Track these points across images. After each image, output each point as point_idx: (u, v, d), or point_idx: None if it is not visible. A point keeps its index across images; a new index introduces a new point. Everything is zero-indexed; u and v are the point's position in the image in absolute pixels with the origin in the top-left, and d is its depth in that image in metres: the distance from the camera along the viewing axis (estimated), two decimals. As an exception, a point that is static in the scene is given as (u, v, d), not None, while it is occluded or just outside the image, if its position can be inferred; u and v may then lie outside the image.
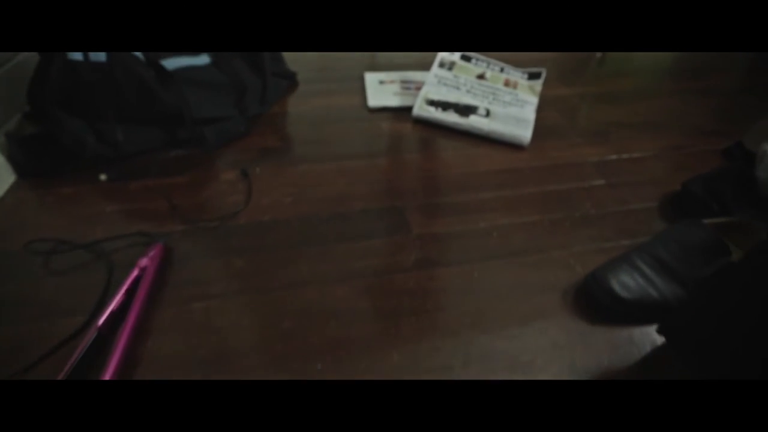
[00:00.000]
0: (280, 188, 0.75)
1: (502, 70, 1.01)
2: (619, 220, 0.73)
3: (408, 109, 0.94)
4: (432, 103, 0.90)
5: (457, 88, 0.94)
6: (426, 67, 1.10)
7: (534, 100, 0.94)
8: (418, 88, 1.01)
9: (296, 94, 1.01)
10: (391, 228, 0.69)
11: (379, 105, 0.96)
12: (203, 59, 0.89)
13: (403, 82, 1.04)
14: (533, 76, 1.01)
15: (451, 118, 0.88)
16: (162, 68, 0.80)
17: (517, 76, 1.01)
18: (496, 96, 0.93)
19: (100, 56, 0.71)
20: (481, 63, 1.01)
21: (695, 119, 1.01)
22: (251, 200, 0.73)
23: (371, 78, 1.06)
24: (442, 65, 0.99)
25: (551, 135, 0.91)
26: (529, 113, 0.90)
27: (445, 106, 0.90)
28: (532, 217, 0.72)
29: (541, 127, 0.91)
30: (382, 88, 1.01)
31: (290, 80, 1.05)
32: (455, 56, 1.01)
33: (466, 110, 0.89)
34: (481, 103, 0.91)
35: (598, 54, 1.31)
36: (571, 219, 0.72)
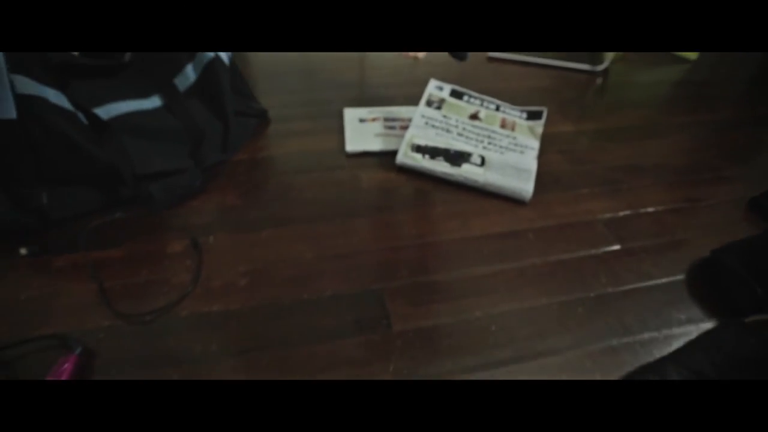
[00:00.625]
0: (236, 264, 0.62)
1: (497, 108, 0.89)
2: (642, 301, 0.60)
3: (391, 154, 0.81)
4: (418, 149, 0.78)
5: (447, 131, 0.81)
6: (413, 100, 0.98)
7: (535, 145, 0.82)
8: (404, 128, 0.89)
9: (265, 135, 0.88)
10: (367, 323, 0.55)
11: (359, 149, 0.83)
12: (153, 102, 0.75)
13: (387, 120, 0.91)
14: (533, 116, 0.88)
15: (440, 167, 0.75)
16: (95, 118, 0.67)
17: (515, 115, 0.88)
18: (491, 140, 0.81)
19: (9, 111, 0.57)
20: (474, 101, 0.89)
21: (710, 160, 0.89)
22: (199, 281, 0.59)
23: (351, 115, 0.93)
24: (429, 103, 0.86)
25: (555, 185, 0.79)
26: (530, 161, 0.78)
27: (433, 152, 0.77)
28: (538, 300, 0.59)
29: (543, 174, 0.79)
30: (362, 128, 0.89)
31: (260, 118, 0.92)
32: (444, 92, 0.88)
33: (457, 158, 0.76)
34: (475, 149, 0.79)
35: (599, 80, 1.20)
36: (585, 302, 0.60)
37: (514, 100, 1.04)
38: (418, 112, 0.83)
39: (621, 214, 0.74)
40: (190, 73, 0.78)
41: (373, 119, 0.91)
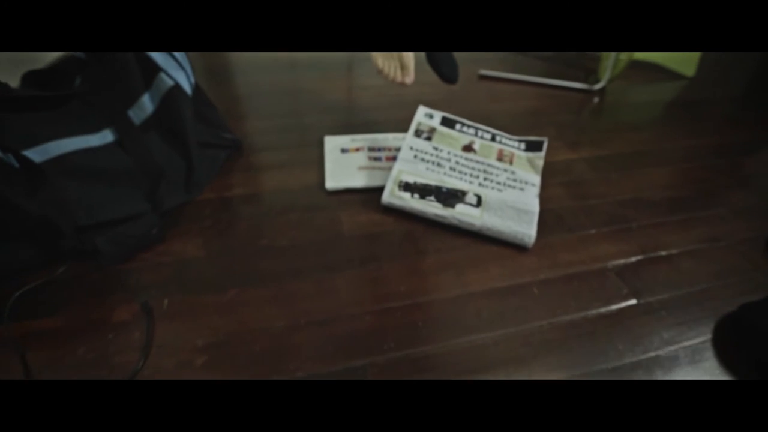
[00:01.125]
0: (193, 337, 0.52)
1: (494, 138, 0.80)
2: (668, 371, 0.52)
3: (377, 191, 0.72)
4: (407, 187, 0.69)
5: (439, 165, 0.72)
6: (399, 125, 0.89)
7: (536, 180, 0.73)
8: (390, 158, 0.80)
9: (237, 169, 0.79)
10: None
11: (340, 186, 0.74)
12: (103, 137, 0.65)
13: (372, 150, 0.82)
14: (533, 147, 0.80)
15: (432, 208, 0.66)
16: (27, 161, 0.57)
17: (513, 146, 0.79)
18: (488, 175, 0.72)
19: None
20: (467, 130, 0.80)
21: (723, 192, 0.81)
22: (147, 361, 0.50)
23: (332, 144, 0.84)
24: (418, 134, 0.77)
25: (559, 225, 0.70)
26: (532, 200, 0.69)
27: (423, 191, 0.68)
28: (549, 374, 0.51)
29: (545, 212, 0.71)
30: (344, 160, 0.79)
31: (232, 149, 0.83)
32: (435, 121, 0.79)
33: (451, 197, 0.68)
34: (470, 186, 0.70)
35: (595, 99, 1.13)
36: (603, 376, 0.51)
37: (508, 123, 0.96)
38: (406, 144, 0.74)
39: (633, 259, 0.65)
40: (146, 104, 0.68)
41: (357, 149, 0.82)
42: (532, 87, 1.13)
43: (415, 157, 0.73)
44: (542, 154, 0.77)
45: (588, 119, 1.01)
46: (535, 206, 0.67)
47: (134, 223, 0.63)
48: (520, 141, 0.80)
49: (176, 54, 0.71)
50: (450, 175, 0.71)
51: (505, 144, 0.79)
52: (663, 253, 0.67)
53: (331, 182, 0.74)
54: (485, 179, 0.71)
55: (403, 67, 0.76)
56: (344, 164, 0.78)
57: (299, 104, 1.00)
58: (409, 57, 0.74)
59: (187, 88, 0.70)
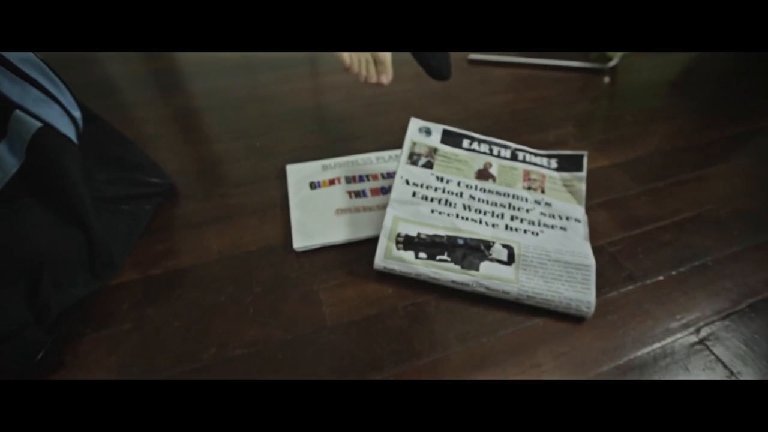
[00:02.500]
0: None
1: (514, 155, 0.57)
2: None
3: (366, 244, 0.51)
4: (408, 242, 0.47)
5: (448, 204, 0.51)
6: (382, 140, 0.67)
7: (580, 213, 0.52)
8: (377, 191, 0.58)
9: (170, 226, 0.55)
10: None
11: (313, 245, 0.52)
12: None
13: (351, 181, 0.59)
14: (568, 164, 0.57)
15: (446, 272, 0.45)
16: None
17: (542, 164, 0.57)
18: (516, 212, 0.51)
19: None
20: (479, 147, 0.56)
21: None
22: None
23: (298, 176, 0.61)
24: (414, 159, 0.53)
25: (616, 272, 0.49)
26: (581, 245, 0.48)
27: (432, 246, 0.47)
28: None
29: (593, 252, 0.51)
30: (315, 201, 0.56)
31: (163, 197, 0.59)
32: (434, 138, 0.56)
33: (471, 252, 0.47)
34: (494, 232, 0.49)
35: (606, 79, 0.92)
36: None
37: (515, 122, 0.74)
38: (400, 177, 0.52)
39: (728, 322, 0.47)
40: (6, 158, 0.44)
41: (331, 181, 0.60)
42: (531, 70, 0.92)
43: (414, 195, 0.51)
44: (583, 174, 0.56)
45: (607, 107, 0.81)
46: (588, 256, 0.47)
47: (7, 346, 0.40)
48: (550, 156, 0.58)
49: (42, 78, 0.45)
50: (465, 218, 0.50)
51: (530, 163, 0.57)
52: (752, 298, 0.49)
53: (301, 240, 0.52)
54: (513, 218, 0.51)
55: (377, 63, 0.54)
56: (316, 207, 0.56)
57: (255, 118, 0.75)
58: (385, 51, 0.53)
59: (67, 127, 0.46)
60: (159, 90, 0.84)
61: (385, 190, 0.57)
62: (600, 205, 0.59)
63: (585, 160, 0.56)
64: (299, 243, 0.51)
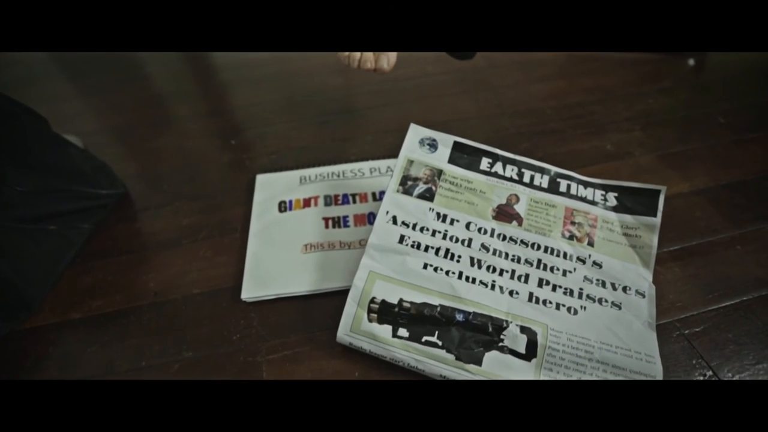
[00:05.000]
0: None
1: (554, 184, 0.38)
2: None
3: (335, 297, 0.37)
4: (384, 311, 0.32)
5: (448, 255, 0.34)
6: (380, 142, 0.52)
7: (643, 284, 0.34)
8: (364, 221, 0.43)
9: (110, 245, 0.43)
10: None
11: (266, 295, 0.37)
12: None
13: (331, 202, 0.44)
14: (631, 201, 0.37)
15: (434, 364, 0.30)
16: None
17: (593, 200, 0.38)
18: (548, 272, 0.34)
19: None
20: (505, 169, 0.38)
21: None
22: None
23: (266, 191, 0.46)
24: (409, 185, 0.37)
25: (684, 367, 0.32)
26: (644, 333, 0.31)
27: (415, 320, 0.32)
28: None
29: (660, 334, 0.33)
30: (281, 226, 0.42)
31: (108, 209, 0.47)
32: (439, 155, 0.38)
33: (471, 334, 0.31)
34: (511, 304, 0.32)
35: (690, 61, 0.68)
36: None
37: (564, 122, 0.54)
38: (385, 210, 0.36)
39: None
40: None
41: (306, 201, 0.45)
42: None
43: (403, 240, 0.35)
44: (656, 221, 0.36)
45: (690, 103, 0.58)
46: (653, 357, 0.30)
47: None
48: (607, 188, 0.38)
49: None
50: (472, 279, 0.33)
51: (577, 197, 0.38)
52: None
53: (252, 288, 0.38)
54: (542, 283, 0.34)
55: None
56: (280, 239, 0.41)
57: (235, 108, 0.61)
58: None
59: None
60: (125, 72, 0.71)
61: (374, 219, 0.42)
62: (672, 256, 0.40)
63: (661, 199, 0.36)
64: (249, 292, 0.37)
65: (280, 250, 0.40)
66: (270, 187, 0.46)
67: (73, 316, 0.39)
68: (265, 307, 0.38)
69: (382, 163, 0.48)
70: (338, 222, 0.42)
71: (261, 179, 0.47)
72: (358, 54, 0.37)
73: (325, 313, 0.37)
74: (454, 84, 0.63)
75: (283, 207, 0.44)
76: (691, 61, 0.67)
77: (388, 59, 0.38)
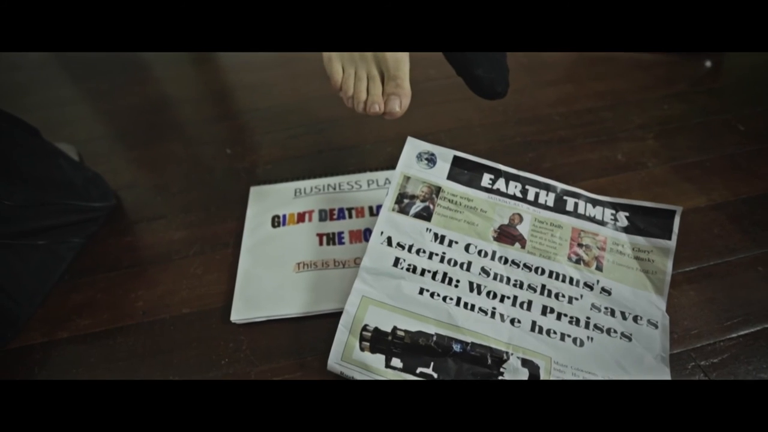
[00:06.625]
0: None
1: (560, 202, 0.35)
2: None
3: (331, 320, 0.34)
4: (376, 339, 0.30)
5: (446, 280, 0.32)
6: (380, 150, 0.49)
7: (658, 307, 0.32)
8: (360, 238, 0.40)
9: (100, 260, 0.41)
10: None
11: (256, 317, 0.35)
12: None
13: (326, 217, 0.42)
14: (644, 222, 0.34)
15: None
16: None
17: (602, 220, 0.35)
18: (552, 299, 0.31)
19: None
20: (508, 186, 0.35)
21: None
22: None
23: (260, 203, 0.44)
24: (404, 204, 0.34)
25: None
26: (655, 367, 0.29)
27: (409, 350, 0.29)
28: None
29: (672, 365, 0.31)
30: (273, 243, 0.40)
31: (99, 222, 0.46)
32: (438, 170, 0.35)
33: (468, 366, 0.29)
34: (512, 333, 0.30)
35: (708, 63, 0.65)
36: None
37: (572, 128, 0.51)
38: (379, 230, 0.34)
39: None
40: None
41: (300, 216, 0.43)
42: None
43: (398, 263, 0.33)
44: (671, 244, 0.33)
45: (707, 109, 0.55)
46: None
47: None
48: (617, 207, 0.36)
49: None
50: (471, 306, 0.31)
51: (585, 217, 0.35)
52: None
53: (242, 310, 0.36)
54: (546, 311, 0.31)
55: (386, 79, 0.32)
56: (273, 257, 0.39)
57: (230, 114, 0.58)
58: (399, 56, 0.32)
59: None
60: (123, 77, 0.69)
61: (370, 236, 0.40)
62: (687, 278, 0.38)
63: (677, 221, 0.34)
64: (239, 314, 0.36)
65: (272, 268, 0.38)
66: (264, 199, 0.44)
67: (60, 335, 0.37)
68: (255, 329, 0.36)
69: (380, 175, 0.46)
70: (333, 239, 0.40)
71: (255, 191, 0.45)
72: (363, 95, 0.32)
73: (317, 336, 0.35)
74: (457, 89, 0.60)
75: (276, 222, 0.42)
76: (708, 63, 0.63)
77: (401, 100, 0.31)
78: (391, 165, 0.48)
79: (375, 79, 0.32)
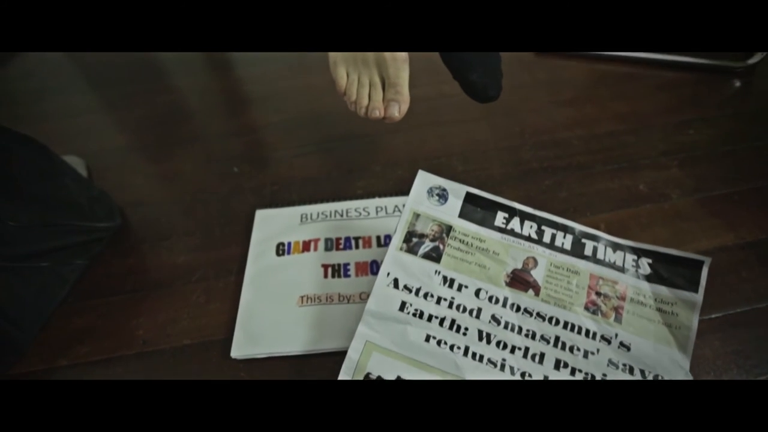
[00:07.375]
0: None
1: (578, 246, 0.33)
2: None
3: (334, 359, 0.32)
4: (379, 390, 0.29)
5: (454, 327, 0.30)
6: (389, 175, 0.48)
7: (681, 366, 0.29)
8: (366, 271, 0.39)
9: (104, 283, 0.41)
10: None
11: (257, 354, 0.34)
12: None
13: (332, 246, 0.40)
14: (668, 271, 0.32)
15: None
16: None
17: (622, 266, 0.33)
18: (566, 353, 0.30)
19: None
20: (522, 226, 0.34)
21: None
22: None
23: (265, 229, 0.42)
24: (413, 243, 0.33)
25: None
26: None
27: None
28: None
29: None
30: (277, 274, 0.38)
31: (104, 243, 0.45)
32: (449, 208, 0.34)
33: None
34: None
35: (737, 83, 0.61)
36: None
37: (593, 157, 0.48)
38: (386, 271, 0.32)
39: None
40: None
41: (305, 244, 0.42)
42: (622, 66, 0.63)
43: (404, 308, 0.31)
44: (698, 298, 0.31)
45: (738, 134, 0.51)
46: None
47: None
48: (639, 252, 0.33)
49: None
50: (480, 357, 0.29)
51: (604, 263, 0.33)
52: None
53: (242, 346, 0.34)
54: (559, 365, 0.29)
55: (387, 86, 0.34)
56: (276, 288, 0.38)
57: (238, 130, 0.57)
58: (399, 63, 0.33)
59: None
60: (135, 87, 0.68)
61: (377, 269, 0.38)
62: (711, 326, 0.35)
63: (704, 273, 0.31)
64: (239, 350, 0.35)
65: (275, 301, 0.37)
66: (269, 224, 0.43)
67: (60, 363, 0.37)
68: (256, 365, 0.35)
69: (389, 202, 0.44)
70: (338, 271, 0.39)
71: (260, 215, 0.44)
72: (365, 100, 0.34)
73: (319, 377, 0.34)
74: (471, 107, 0.58)
75: (281, 250, 0.41)
76: (737, 83, 0.60)
77: (399, 106, 0.33)
78: (400, 190, 0.46)
79: (377, 86, 0.34)
